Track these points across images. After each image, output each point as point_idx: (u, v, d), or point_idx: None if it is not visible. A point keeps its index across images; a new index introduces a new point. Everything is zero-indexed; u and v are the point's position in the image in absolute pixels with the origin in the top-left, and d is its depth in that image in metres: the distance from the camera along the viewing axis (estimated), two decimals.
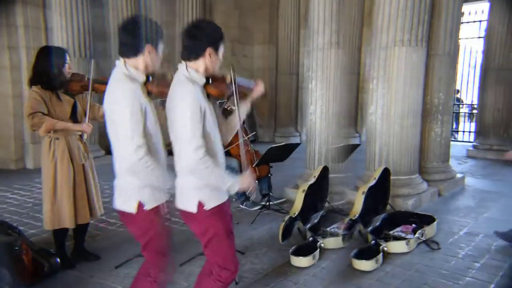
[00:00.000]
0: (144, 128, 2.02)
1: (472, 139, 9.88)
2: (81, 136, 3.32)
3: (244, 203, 4.87)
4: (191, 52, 2.09)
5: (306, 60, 5.43)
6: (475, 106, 10.39)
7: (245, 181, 2.16)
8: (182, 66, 2.11)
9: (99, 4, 7.98)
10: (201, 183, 2.07)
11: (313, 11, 4.94)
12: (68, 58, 3.19)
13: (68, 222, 3.19)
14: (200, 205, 2.09)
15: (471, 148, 8.68)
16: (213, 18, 9.30)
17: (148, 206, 2.11)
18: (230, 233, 2.21)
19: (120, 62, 2.12)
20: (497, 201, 5.28)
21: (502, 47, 8.00)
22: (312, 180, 4.17)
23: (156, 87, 2.20)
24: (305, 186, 4.06)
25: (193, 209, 2.10)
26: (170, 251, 2.27)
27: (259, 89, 2.35)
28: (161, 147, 2.18)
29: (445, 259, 3.52)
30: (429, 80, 5.30)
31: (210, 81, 2.14)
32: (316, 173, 4.27)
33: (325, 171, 4.38)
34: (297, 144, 4.84)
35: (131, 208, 2.11)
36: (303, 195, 3.98)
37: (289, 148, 4.67)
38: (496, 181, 6.39)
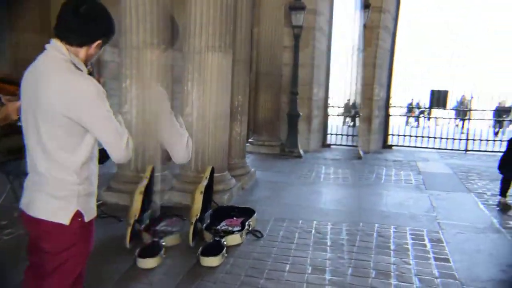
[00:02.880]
0: None
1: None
2: None
3: None
4: (81, 37, 1.79)
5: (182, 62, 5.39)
6: None
7: None
8: (57, 43, 1.78)
9: None
10: (86, 189, 1.84)
11: (190, 14, 4.95)
12: None
13: None
14: (77, 215, 1.80)
15: (247, 144, 9.32)
16: None
17: (87, 217, 1.84)
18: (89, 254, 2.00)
19: (60, 46, 1.77)
20: (286, 190, 6.15)
21: (267, 54, 8.87)
22: (205, 182, 4.25)
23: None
24: (201, 188, 4.11)
25: (65, 220, 1.79)
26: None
27: None
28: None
29: (270, 244, 4.02)
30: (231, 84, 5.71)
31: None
32: (207, 173, 4.36)
33: (213, 171, 4.51)
34: None
35: (64, 219, 1.77)
36: (201, 196, 4.04)
37: None
38: (277, 173, 7.33)
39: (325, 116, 10.81)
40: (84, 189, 1.82)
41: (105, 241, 3.79)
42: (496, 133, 13.12)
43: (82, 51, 1.81)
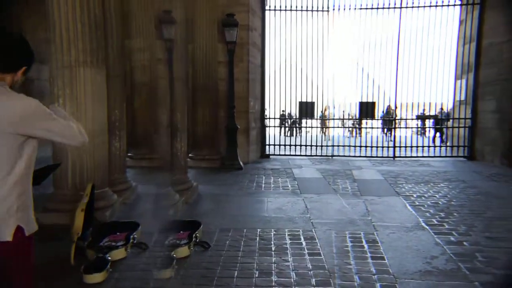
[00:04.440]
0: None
1: None
2: None
3: None
4: (7, 65, 1.94)
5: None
6: None
7: None
8: None
9: None
10: (22, 203, 1.90)
11: (54, 28, 4.71)
12: None
13: None
14: (18, 230, 1.87)
15: (188, 159, 9.49)
16: None
17: (28, 231, 1.91)
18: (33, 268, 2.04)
19: None
20: (229, 201, 6.39)
21: (203, 70, 9.17)
22: (86, 199, 4.22)
23: None
24: (83, 206, 4.09)
25: (8, 236, 1.84)
26: None
27: None
28: None
29: (218, 254, 4.16)
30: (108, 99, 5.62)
31: None
32: (88, 191, 4.30)
33: (93, 188, 4.42)
34: (58, 165, 4.30)
35: (7, 236, 1.83)
36: (82, 214, 4.02)
37: (50, 170, 4.36)
38: (219, 185, 7.53)
39: (263, 127, 11.19)
40: (22, 204, 1.90)
41: (49, 260, 3.65)
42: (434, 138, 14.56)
43: (9, 77, 1.95)
